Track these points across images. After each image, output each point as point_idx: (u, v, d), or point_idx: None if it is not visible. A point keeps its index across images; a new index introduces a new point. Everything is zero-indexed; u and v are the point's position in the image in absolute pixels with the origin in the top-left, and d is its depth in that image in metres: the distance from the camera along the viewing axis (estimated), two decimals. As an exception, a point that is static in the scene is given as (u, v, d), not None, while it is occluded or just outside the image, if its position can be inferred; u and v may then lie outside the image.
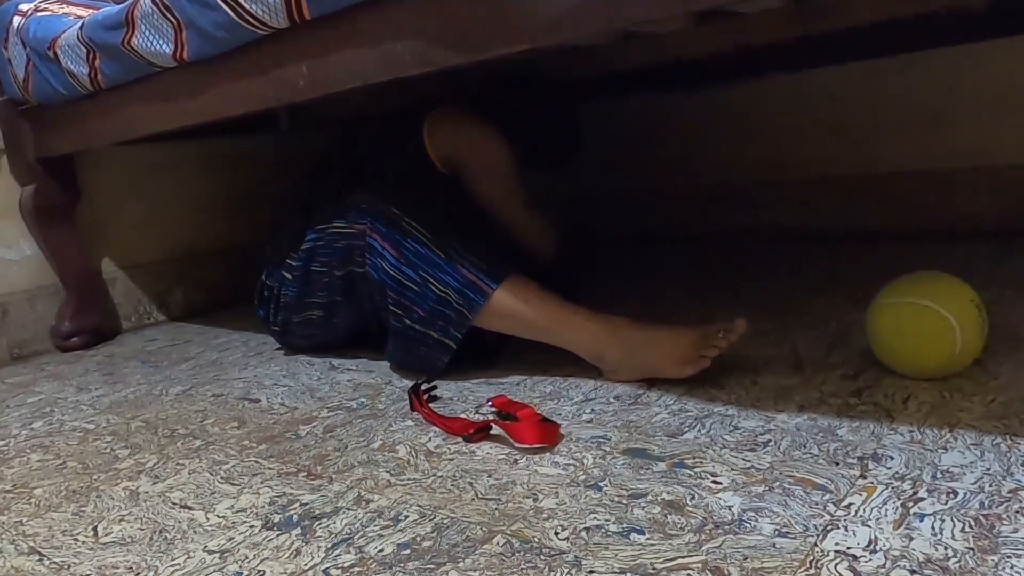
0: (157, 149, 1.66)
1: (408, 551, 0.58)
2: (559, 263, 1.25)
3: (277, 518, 0.67)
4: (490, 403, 0.85)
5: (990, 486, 0.57)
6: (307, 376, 1.09)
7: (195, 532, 0.66)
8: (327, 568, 0.57)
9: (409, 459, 0.76)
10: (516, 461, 0.72)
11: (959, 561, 0.49)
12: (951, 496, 0.56)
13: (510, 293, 0.91)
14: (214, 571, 0.59)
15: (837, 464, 0.63)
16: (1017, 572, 0.47)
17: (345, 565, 0.57)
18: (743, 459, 0.66)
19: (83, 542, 0.67)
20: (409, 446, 0.79)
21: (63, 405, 1.11)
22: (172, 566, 0.61)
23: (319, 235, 1.05)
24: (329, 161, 1.22)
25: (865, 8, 1.25)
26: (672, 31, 1.19)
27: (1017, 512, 0.53)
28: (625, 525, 0.58)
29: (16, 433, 1.00)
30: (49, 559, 0.65)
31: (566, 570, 0.53)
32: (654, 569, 0.52)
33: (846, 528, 0.54)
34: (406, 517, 0.64)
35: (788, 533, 0.54)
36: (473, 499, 0.65)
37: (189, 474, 0.79)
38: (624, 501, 0.62)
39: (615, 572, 0.52)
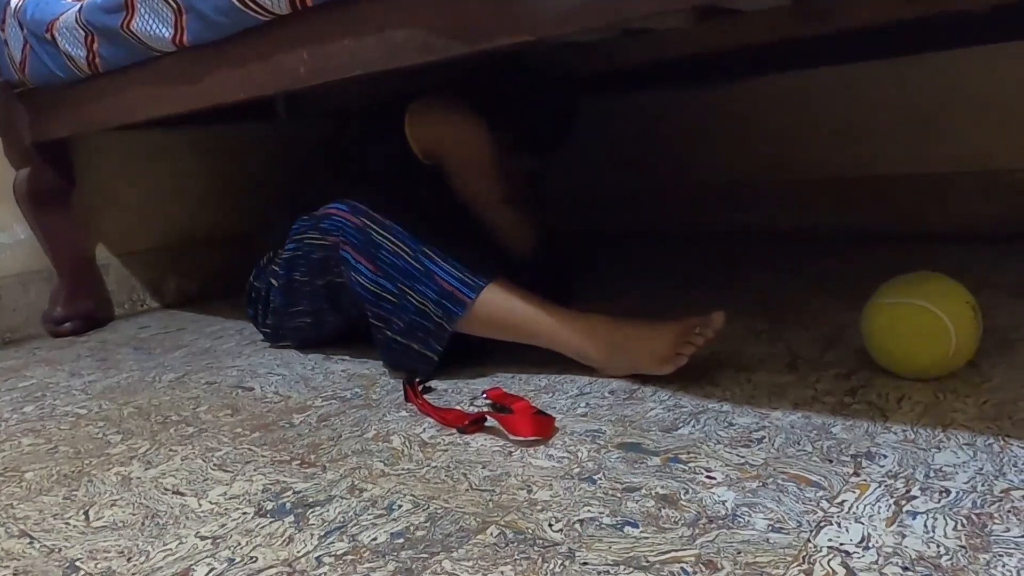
0: (153, 136, 1.65)
1: (401, 540, 0.58)
2: (542, 262, 1.23)
3: (270, 505, 0.66)
4: (485, 395, 0.85)
5: (982, 486, 0.57)
6: (301, 366, 1.09)
7: (187, 518, 0.66)
8: (320, 556, 0.57)
9: (403, 449, 0.76)
10: (510, 453, 0.72)
11: (951, 559, 0.49)
12: (944, 495, 0.56)
13: (489, 301, 0.90)
14: (206, 557, 0.59)
15: (831, 461, 0.63)
16: (1008, 571, 0.47)
17: (338, 553, 0.57)
18: (737, 455, 0.67)
19: (74, 526, 0.67)
20: (403, 436, 0.79)
21: (55, 390, 1.11)
22: (164, 551, 0.60)
23: (297, 245, 1.04)
24: (319, 157, 1.21)
25: (866, 10, 1.25)
26: (674, 28, 1.19)
27: (1009, 512, 0.53)
28: (619, 518, 0.58)
29: (7, 417, 1.00)
30: (40, 542, 0.64)
31: (560, 561, 0.53)
32: (648, 562, 0.52)
33: (839, 524, 0.54)
34: (400, 506, 0.64)
35: (781, 528, 0.54)
36: (467, 490, 0.65)
37: (182, 460, 0.79)
38: (618, 494, 0.62)
39: (609, 564, 0.52)
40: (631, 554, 0.53)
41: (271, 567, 0.56)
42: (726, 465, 0.65)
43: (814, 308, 1.10)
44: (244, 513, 0.66)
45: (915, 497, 0.57)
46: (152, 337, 1.39)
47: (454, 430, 0.79)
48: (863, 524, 0.54)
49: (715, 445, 0.69)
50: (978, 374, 0.79)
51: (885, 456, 0.63)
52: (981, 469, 0.60)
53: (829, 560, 0.50)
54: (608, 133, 1.89)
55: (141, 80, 1.10)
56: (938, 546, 0.50)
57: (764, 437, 0.70)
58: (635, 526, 0.57)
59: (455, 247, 0.94)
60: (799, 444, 0.67)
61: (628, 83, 1.80)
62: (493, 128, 1.11)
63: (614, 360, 0.87)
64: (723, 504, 0.58)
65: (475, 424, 0.78)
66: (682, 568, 0.51)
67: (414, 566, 0.54)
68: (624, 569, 0.51)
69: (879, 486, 0.59)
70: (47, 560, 0.61)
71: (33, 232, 1.49)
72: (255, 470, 0.74)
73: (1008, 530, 0.51)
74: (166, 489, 0.72)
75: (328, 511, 0.64)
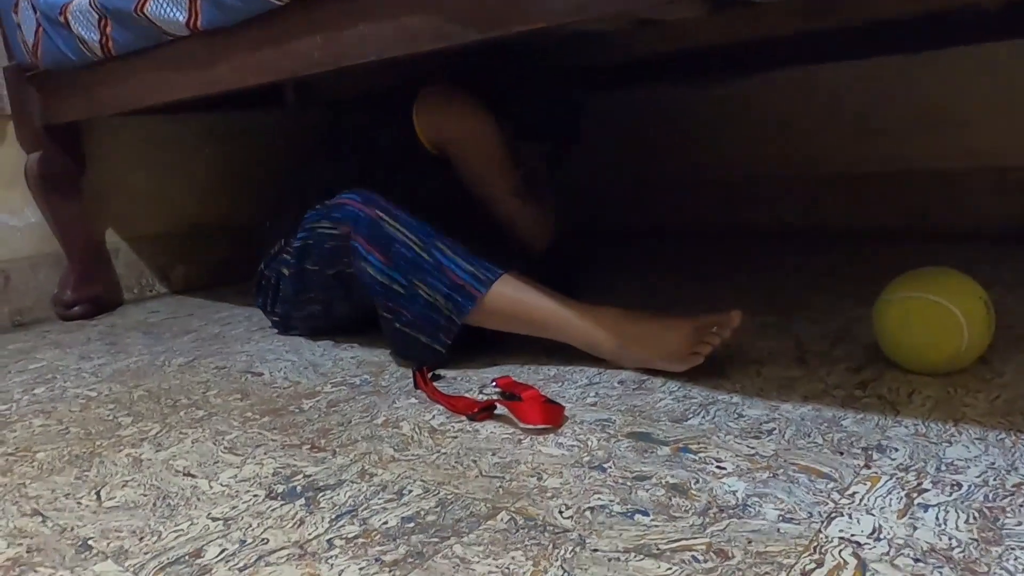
0: (164, 121, 1.65)
1: (412, 524, 0.58)
2: (554, 255, 1.23)
3: (281, 488, 0.67)
4: (494, 383, 0.85)
5: (994, 480, 0.57)
6: (310, 352, 1.09)
7: (198, 499, 0.66)
8: (331, 538, 0.58)
9: (413, 435, 0.76)
10: (520, 441, 0.72)
11: (963, 551, 0.49)
12: (955, 488, 0.56)
13: (500, 295, 0.90)
14: (218, 537, 0.59)
15: (842, 454, 0.63)
16: (1021, 563, 0.47)
17: (349, 536, 0.58)
18: (747, 446, 0.67)
19: (86, 505, 0.67)
20: (413, 423, 0.79)
21: (65, 372, 1.11)
22: (176, 531, 0.61)
23: (308, 234, 1.04)
24: (324, 145, 1.21)
25: (878, 4, 1.25)
26: (685, 20, 1.18)
27: (1021, 506, 0.53)
28: (629, 506, 0.58)
29: (18, 398, 1.00)
30: (52, 521, 0.65)
31: (570, 548, 0.53)
32: (658, 550, 0.52)
33: (850, 516, 0.54)
34: (410, 491, 0.64)
35: (792, 519, 0.54)
36: (477, 476, 0.66)
37: (192, 443, 0.79)
38: (628, 483, 0.62)
39: (619, 551, 0.52)
40: (642, 541, 0.53)
41: (282, 548, 0.57)
42: (736, 456, 0.65)
43: (823, 303, 1.10)
44: (255, 496, 0.66)
45: (926, 490, 0.57)
46: (161, 322, 1.39)
47: (464, 417, 0.79)
48: (874, 516, 0.54)
49: (725, 436, 0.69)
50: (989, 370, 0.79)
51: (896, 449, 0.63)
52: (993, 464, 0.60)
53: (840, 551, 0.50)
54: (616, 127, 1.89)
55: (154, 64, 1.11)
56: (950, 538, 0.50)
57: (774, 429, 0.70)
58: (645, 514, 0.57)
59: (466, 240, 0.94)
60: (809, 436, 0.67)
61: (637, 76, 1.80)
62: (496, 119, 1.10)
63: (626, 354, 0.87)
64: (734, 494, 0.59)
65: (485, 412, 0.78)
66: (693, 556, 0.51)
67: (425, 550, 0.55)
68: (635, 556, 0.52)
69: (890, 479, 0.59)
70: (59, 538, 0.62)
71: (43, 215, 1.49)
72: (265, 454, 0.75)
73: (1020, 524, 0.51)
74: (177, 471, 0.73)
75: (338, 495, 0.64)
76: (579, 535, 0.55)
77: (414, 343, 0.94)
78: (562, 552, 0.53)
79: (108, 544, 0.60)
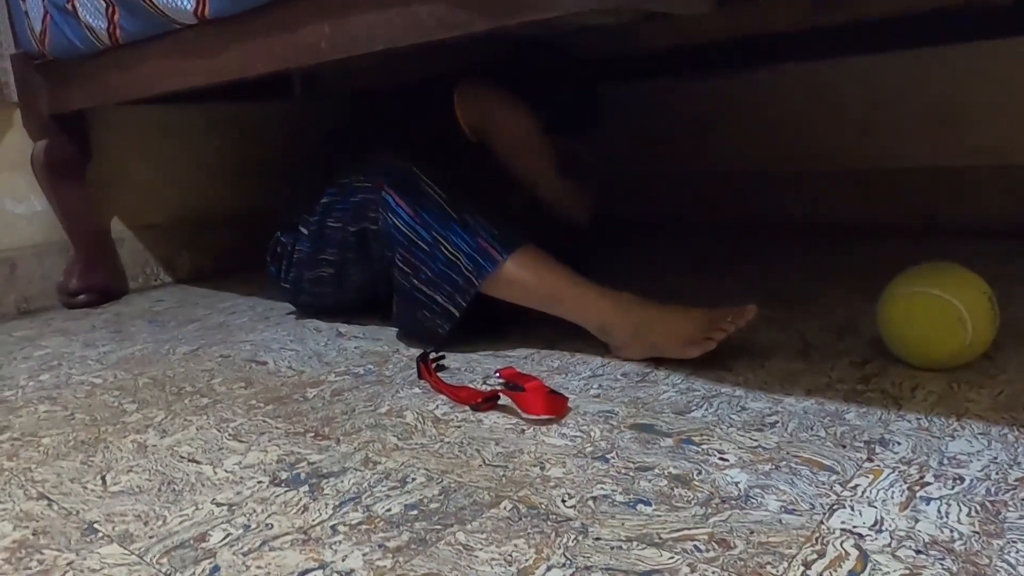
0: (169, 111, 1.65)
1: (415, 512, 0.59)
2: (573, 230, 1.27)
3: (285, 475, 0.67)
4: (498, 374, 0.86)
5: (996, 474, 0.57)
6: (314, 342, 1.09)
7: (203, 485, 0.67)
8: (335, 524, 0.58)
9: (416, 425, 0.76)
10: (523, 431, 0.72)
11: (965, 544, 0.49)
12: (957, 482, 0.57)
13: (521, 263, 0.91)
14: (222, 523, 0.60)
15: (844, 447, 0.64)
16: (1022, 556, 0.47)
17: (353, 522, 0.58)
18: (750, 438, 0.67)
19: (92, 490, 0.67)
20: (416, 412, 0.79)
21: (70, 359, 1.12)
22: (181, 516, 0.61)
23: (338, 190, 1.05)
24: (352, 125, 1.22)
25: (885, 0, 1.24)
26: (693, 13, 1.18)
27: (1023, 500, 0.53)
28: (632, 496, 0.58)
29: (23, 384, 1.01)
30: (58, 504, 0.65)
31: (573, 536, 0.54)
32: (660, 539, 0.52)
33: (852, 508, 0.54)
34: (413, 479, 0.64)
35: (794, 510, 0.55)
36: (480, 465, 0.66)
37: (197, 430, 0.80)
38: (631, 473, 0.62)
39: (621, 540, 0.53)
40: (644, 531, 0.54)
41: (286, 534, 0.57)
42: (739, 448, 0.65)
43: (828, 298, 1.10)
44: (259, 482, 0.66)
45: (929, 483, 0.57)
46: (166, 311, 1.40)
47: (467, 407, 0.79)
48: (876, 508, 0.54)
49: (728, 428, 0.69)
50: (993, 365, 0.79)
51: (899, 443, 0.63)
52: (995, 458, 0.60)
53: (842, 542, 0.50)
54: (622, 120, 1.88)
55: (161, 53, 1.11)
56: (951, 531, 0.50)
57: (777, 422, 0.70)
58: (648, 504, 0.57)
59: (492, 211, 0.95)
60: (812, 429, 0.67)
61: (643, 70, 1.79)
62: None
63: (637, 338, 0.87)
64: (736, 485, 0.59)
65: (488, 402, 0.78)
66: (695, 545, 0.51)
67: (428, 536, 0.55)
68: (637, 545, 0.52)
69: (892, 472, 0.59)
70: (65, 522, 0.62)
71: (49, 204, 1.49)
72: (269, 441, 0.75)
73: (1022, 517, 0.51)
74: (182, 457, 0.73)
75: (342, 482, 0.65)
76: (582, 524, 0.55)
77: (428, 305, 0.95)
78: (564, 540, 0.53)
79: (113, 528, 0.60)
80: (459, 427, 0.75)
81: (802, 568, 0.48)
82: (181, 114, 1.68)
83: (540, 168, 1.18)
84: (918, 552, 0.48)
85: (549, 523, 0.56)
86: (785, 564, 0.48)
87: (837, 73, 1.59)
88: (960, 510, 0.53)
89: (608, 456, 0.66)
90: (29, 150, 1.47)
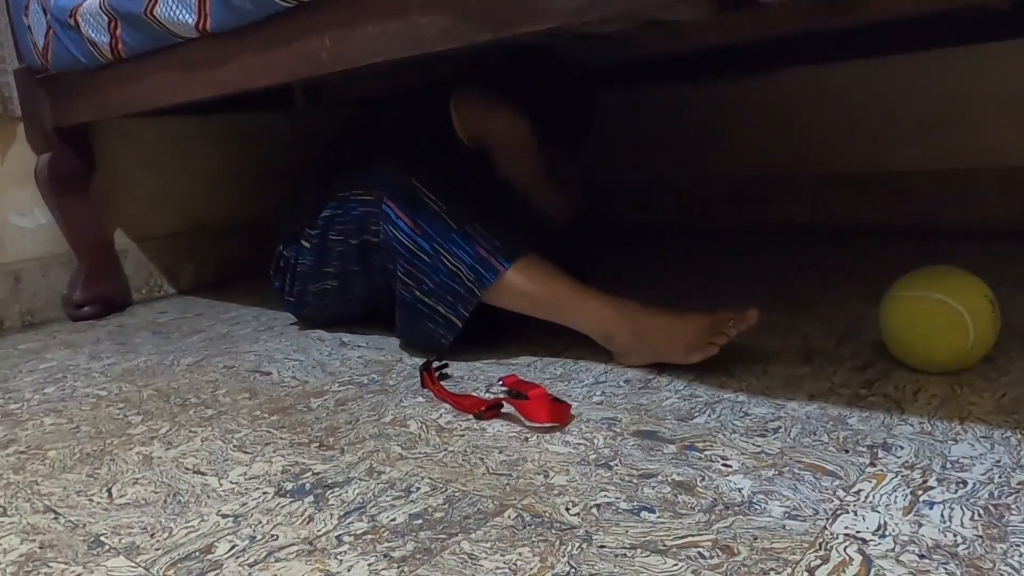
0: (172, 122, 1.66)
1: (420, 521, 0.59)
2: (573, 237, 1.30)
3: (290, 486, 0.67)
4: (501, 382, 0.86)
5: (999, 477, 0.57)
6: (318, 352, 1.10)
7: (208, 496, 0.67)
8: (340, 535, 0.58)
9: (420, 434, 0.76)
10: (527, 439, 0.73)
11: (968, 548, 0.49)
12: (960, 486, 0.57)
13: (522, 272, 0.91)
14: (228, 534, 0.60)
15: (847, 452, 0.64)
16: (1025, 560, 0.47)
17: (358, 532, 0.58)
18: (753, 444, 0.67)
19: (98, 502, 0.68)
20: (420, 421, 0.80)
21: (75, 372, 1.12)
22: (186, 528, 0.61)
23: (339, 203, 1.06)
24: (351, 136, 1.23)
25: (885, 3, 1.25)
26: (692, 19, 1.19)
27: (1026, 503, 0.54)
28: (635, 503, 0.59)
29: (29, 397, 1.01)
30: (64, 517, 0.66)
31: (577, 544, 0.54)
32: (664, 546, 0.53)
33: (855, 513, 0.54)
34: (418, 489, 0.64)
35: (798, 516, 0.55)
36: (484, 474, 0.66)
37: (202, 441, 0.80)
38: (634, 480, 0.62)
39: (626, 548, 0.53)
40: (648, 538, 0.54)
41: (292, 545, 0.57)
42: (742, 454, 0.65)
43: (830, 302, 1.10)
44: (264, 493, 0.67)
45: (932, 487, 0.57)
46: (170, 322, 1.40)
47: (470, 416, 0.79)
48: (879, 513, 0.54)
49: (731, 434, 0.69)
50: (995, 368, 0.79)
51: (902, 447, 0.64)
52: (998, 461, 0.60)
53: (846, 547, 0.50)
54: (623, 125, 1.89)
55: (163, 66, 1.11)
56: (955, 535, 0.51)
57: (780, 427, 0.70)
58: (652, 511, 0.57)
59: (494, 220, 0.95)
60: (815, 434, 0.68)
61: (644, 75, 1.80)
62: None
63: (640, 345, 0.88)
64: (739, 491, 0.59)
65: (492, 410, 0.78)
66: (699, 552, 0.51)
67: (433, 546, 0.55)
68: (641, 552, 0.52)
69: (896, 476, 0.59)
70: (72, 535, 0.62)
71: (53, 216, 1.50)
72: (274, 452, 0.75)
73: (1025, 521, 0.51)
74: (187, 469, 0.73)
75: (347, 492, 0.65)
76: (586, 531, 0.55)
77: (431, 315, 0.95)
78: (569, 548, 0.53)
79: (120, 540, 0.61)
80: (463, 436, 0.75)
81: (806, 574, 0.48)
82: (183, 125, 1.69)
83: (531, 175, 1.19)
84: (921, 557, 0.49)
85: (553, 531, 0.56)
86: (789, 570, 0.48)
87: (837, 77, 1.59)
88: (963, 514, 0.53)
89: (611, 463, 0.66)
90: (33, 164, 1.48)
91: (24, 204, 1.49)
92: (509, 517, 0.58)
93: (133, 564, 0.57)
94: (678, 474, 0.63)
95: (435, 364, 0.92)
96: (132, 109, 1.25)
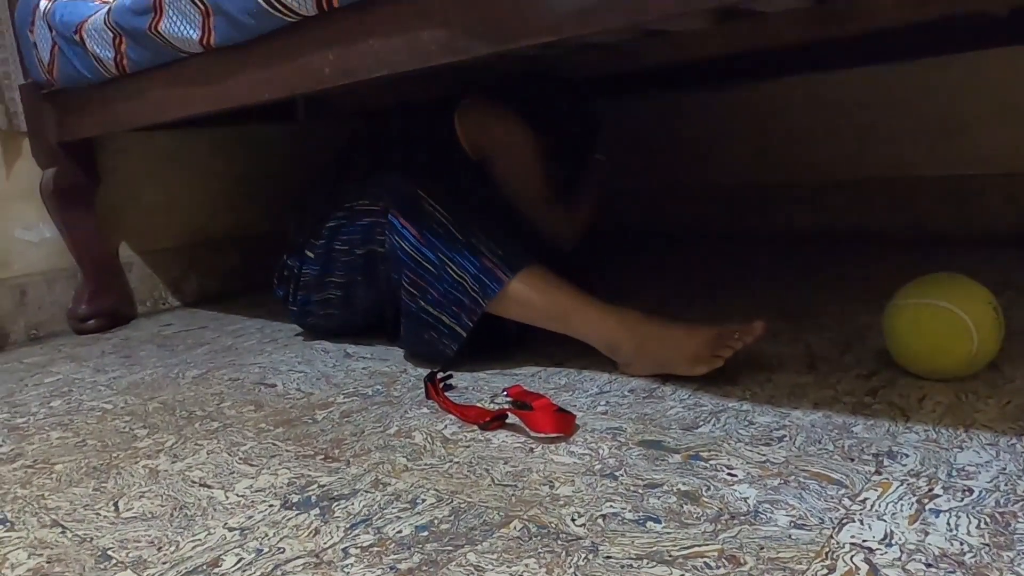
0: (176, 136, 1.67)
1: (426, 533, 0.59)
2: (572, 259, 1.28)
3: (296, 498, 0.68)
4: (505, 393, 0.86)
5: (1005, 485, 0.57)
6: (322, 363, 1.10)
7: (215, 510, 0.67)
8: (346, 547, 0.58)
9: (425, 445, 0.76)
10: (532, 450, 0.73)
11: (975, 556, 0.49)
12: (966, 494, 0.57)
13: (527, 282, 0.91)
14: (235, 547, 0.60)
15: (852, 460, 0.64)
16: (1032, 568, 0.47)
17: (364, 544, 0.58)
18: (758, 453, 0.67)
19: (105, 516, 0.68)
20: (425, 433, 0.80)
21: (81, 385, 1.12)
22: (193, 541, 0.62)
23: (345, 213, 1.06)
24: (357, 147, 1.24)
25: (886, 11, 1.25)
26: (693, 29, 1.19)
27: (1033, 511, 0.53)
28: (641, 513, 0.59)
29: (35, 411, 1.02)
30: (72, 532, 0.66)
31: (583, 555, 0.54)
32: (670, 556, 0.53)
33: (861, 522, 0.54)
34: (423, 500, 0.65)
35: (804, 525, 0.55)
36: (490, 485, 0.66)
37: (208, 454, 0.80)
38: (640, 490, 0.62)
39: (632, 558, 0.53)
40: (654, 548, 0.54)
41: (298, 558, 0.57)
42: (747, 463, 0.65)
43: (833, 309, 1.10)
44: (270, 505, 0.67)
45: (938, 496, 0.57)
46: (175, 334, 1.41)
47: (475, 427, 0.79)
48: (886, 521, 0.54)
49: (736, 443, 0.69)
50: (1000, 375, 0.79)
51: (907, 455, 0.64)
52: (1004, 469, 0.60)
53: (852, 556, 0.50)
54: (627, 133, 1.89)
55: (168, 81, 1.12)
56: (961, 543, 0.51)
57: (785, 436, 0.70)
58: (657, 521, 0.57)
59: (499, 230, 0.96)
60: (820, 443, 0.68)
61: (647, 84, 1.81)
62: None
63: (644, 355, 0.88)
64: (745, 501, 0.59)
65: (496, 421, 0.78)
66: (705, 563, 0.51)
67: (439, 558, 0.55)
68: (647, 563, 0.52)
69: (901, 484, 0.59)
70: (79, 549, 0.63)
71: (58, 230, 1.51)
72: (280, 464, 0.76)
73: (1032, 529, 0.51)
74: (193, 482, 0.74)
75: (353, 504, 0.65)
76: (592, 542, 0.55)
77: (435, 326, 0.95)
78: (575, 559, 0.53)
79: (127, 554, 0.61)
80: (468, 447, 0.75)
81: (813, 584, 0.48)
82: (187, 138, 1.70)
83: (534, 190, 1.19)
84: (928, 566, 0.49)
85: (559, 542, 0.56)
86: (795, 580, 0.48)
87: (839, 85, 1.60)
88: (970, 522, 0.53)
89: (617, 473, 0.66)
90: (38, 178, 1.49)
91: (29, 218, 1.50)
92: (515, 528, 0.58)
93: (140, 578, 0.57)
94: (683, 484, 0.63)
95: (439, 375, 0.92)
96: (136, 123, 1.25)
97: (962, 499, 0.56)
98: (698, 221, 1.84)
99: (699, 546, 0.53)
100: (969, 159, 1.47)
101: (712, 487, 0.62)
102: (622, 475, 0.65)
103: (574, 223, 1.30)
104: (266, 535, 0.61)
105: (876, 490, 0.58)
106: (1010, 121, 1.42)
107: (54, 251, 1.52)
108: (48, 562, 0.61)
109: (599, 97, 1.83)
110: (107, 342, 1.41)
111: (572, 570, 0.52)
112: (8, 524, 0.69)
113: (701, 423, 0.75)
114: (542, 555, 0.54)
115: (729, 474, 0.64)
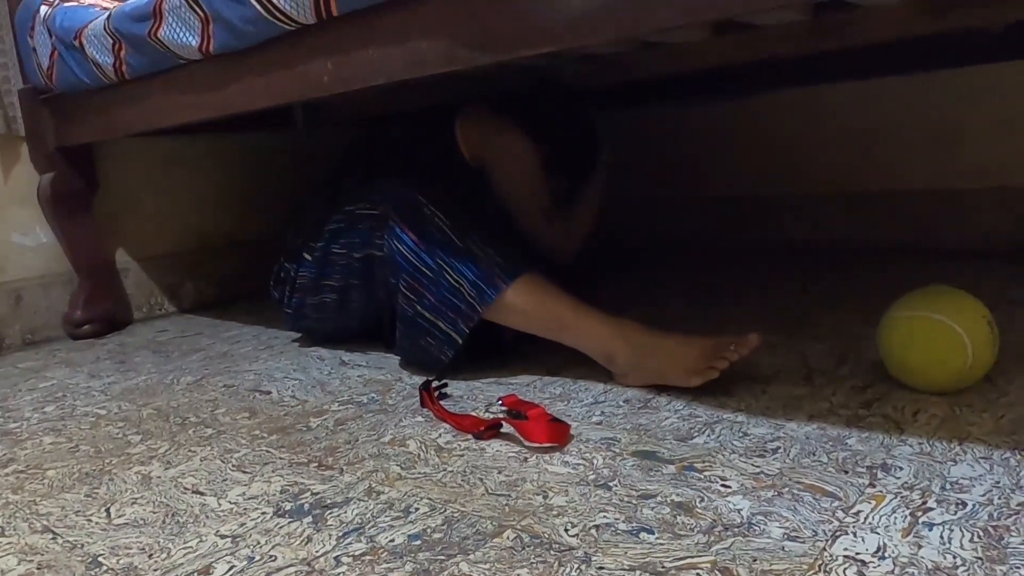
0: (173, 142, 1.67)
1: (419, 542, 0.59)
2: (578, 261, 1.28)
3: (288, 506, 0.67)
4: (500, 402, 0.86)
5: (999, 499, 0.57)
6: (318, 370, 1.10)
7: (207, 517, 0.67)
8: (338, 555, 0.58)
9: (419, 454, 0.76)
10: (526, 459, 0.72)
11: (968, 570, 0.49)
12: (960, 507, 0.57)
13: (524, 290, 0.92)
14: (226, 555, 0.60)
15: (846, 472, 0.64)
16: (1025, 582, 0.47)
17: (356, 553, 0.58)
18: (752, 464, 0.67)
19: (96, 523, 0.68)
20: (419, 441, 0.80)
21: (75, 391, 1.12)
22: (185, 548, 0.61)
23: (344, 216, 1.06)
24: (357, 151, 1.24)
25: (882, 25, 1.26)
26: (691, 42, 1.20)
27: (1026, 525, 0.53)
28: (635, 524, 0.58)
29: (28, 416, 1.01)
30: (63, 538, 0.65)
31: (576, 566, 0.54)
32: (663, 568, 0.52)
33: (855, 534, 0.54)
34: (417, 509, 0.64)
35: (797, 537, 0.55)
36: (483, 494, 0.66)
37: (201, 461, 0.80)
38: (634, 501, 0.62)
39: (624, 569, 0.53)
40: (647, 559, 0.54)
41: (290, 566, 0.57)
42: (741, 474, 0.65)
43: (829, 321, 1.10)
44: (263, 513, 0.66)
45: (931, 509, 0.57)
46: (170, 340, 1.40)
47: (470, 436, 0.79)
48: (879, 534, 0.54)
49: (730, 455, 0.69)
50: (994, 389, 0.79)
51: (901, 468, 0.64)
52: (998, 482, 0.60)
53: (845, 569, 0.50)
54: (623, 145, 1.90)
55: (167, 87, 1.13)
56: (954, 557, 0.50)
57: (779, 447, 0.70)
58: (651, 532, 0.57)
59: (497, 237, 0.96)
60: (814, 455, 0.68)
61: (644, 95, 1.81)
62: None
63: (640, 366, 0.88)
64: (738, 512, 0.59)
65: (491, 430, 0.78)
66: (698, 574, 0.51)
67: (431, 567, 0.55)
68: (640, 574, 0.52)
69: (895, 497, 0.59)
70: (70, 555, 0.62)
71: (55, 235, 1.51)
72: (273, 471, 0.75)
73: (1025, 543, 0.51)
74: (186, 488, 0.73)
75: (346, 512, 0.65)
76: (585, 553, 0.55)
77: (430, 331, 0.95)
78: (567, 570, 0.53)
79: (118, 561, 0.60)
80: (462, 456, 0.75)
81: (805, 596, 0.48)
82: (185, 145, 1.70)
83: (528, 206, 1.19)
84: (921, 579, 0.48)
85: (552, 552, 0.56)
86: (788, 592, 0.48)
87: (835, 97, 1.61)
88: (963, 535, 0.53)
89: (611, 484, 0.66)
90: (35, 183, 1.49)
91: (26, 223, 1.50)
92: (508, 538, 0.58)
93: (131, 585, 0.57)
94: (677, 495, 0.63)
95: (435, 383, 0.92)
96: (135, 129, 1.26)
97: (955, 513, 0.56)
98: (694, 232, 1.85)
99: (692, 557, 0.53)
100: (965, 172, 1.48)
101: (706, 498, 0.62)
102: (616, 485, 0.65)
103: (572, 237, 1.30)
104: (258, 543, 0.61)
105: (870, 503, 0.58)
106: (1005, 134, 1.43)
107: (51, 256, 1.52)
108: (39, 568, 0.61)
109: (597, 108, 1.84)
110: (102, 347, 1.41)
111: (564, 580, 0.52)
112: (-1, 530, 0.68)
113: (696, 434, 0.75)
114: (535, 565, 0.54)
115: (723, 485, 0.64)
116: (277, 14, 0.88)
